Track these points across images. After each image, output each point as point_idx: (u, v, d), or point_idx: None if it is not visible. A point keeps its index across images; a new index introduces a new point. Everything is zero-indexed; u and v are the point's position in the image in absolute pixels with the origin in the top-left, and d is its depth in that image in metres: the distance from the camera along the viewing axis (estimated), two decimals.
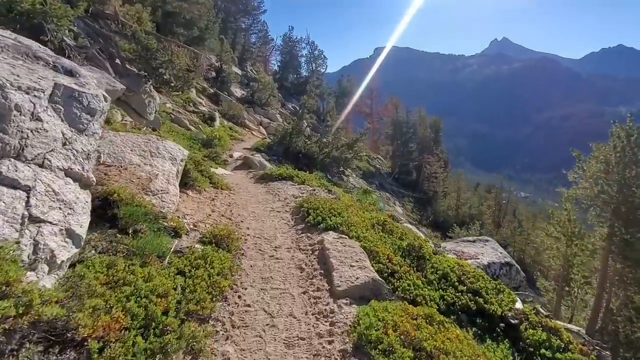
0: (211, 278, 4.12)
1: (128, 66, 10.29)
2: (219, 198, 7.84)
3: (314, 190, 9.41)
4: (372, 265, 5.43)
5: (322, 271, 5.17)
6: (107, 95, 4.22)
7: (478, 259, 9.97)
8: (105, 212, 4.32)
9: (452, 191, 40.37)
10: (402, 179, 42.75)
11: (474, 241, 12.38)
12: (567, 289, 18.49)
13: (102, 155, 5.37)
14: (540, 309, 5.81)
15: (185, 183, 6.95)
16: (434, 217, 36.78)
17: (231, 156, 15.40)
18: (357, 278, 4.81)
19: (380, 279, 5.11)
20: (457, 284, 5.76)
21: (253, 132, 26.35)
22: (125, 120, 9.05)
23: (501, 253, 11.26)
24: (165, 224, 4.97)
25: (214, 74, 33.49)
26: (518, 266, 11.64)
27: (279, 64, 53.68)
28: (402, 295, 5.07)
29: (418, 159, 44.64)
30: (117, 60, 10.02)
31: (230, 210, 7.38)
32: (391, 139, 46.36)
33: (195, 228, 5.73)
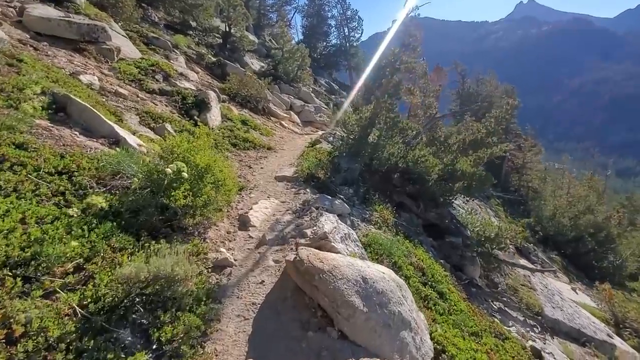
0: None
1: None
2: None
3: None
4: None
5: None
6: None
7: None
8: None
9: (557, 187, 28.70)
10: None
11: None
12: None
13: None
14: None
15: None
16: (541, 229, 25.51)
17: (244, 223, 4.87)
18: None
19: None
20: None
21: (283, 123, 15.65)
22: None
23: None
24: None
25: (218, 39, 22.82)
26: None
27: (302, 29, 42.10)
28: None
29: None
30: None
31: None
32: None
33: None
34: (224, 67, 17.08)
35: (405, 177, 9.43)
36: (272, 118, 15.39)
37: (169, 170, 3.57)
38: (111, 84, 7.81)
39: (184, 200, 3.66)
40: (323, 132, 16.75)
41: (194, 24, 21.73)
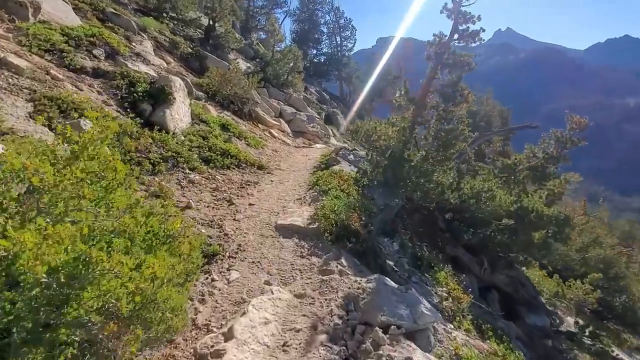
0: None
1: None
2: None
3: None
4: None
5: None
6: None
7: None
8: None
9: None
10: None
11: None
12: None
13: None
14: None
15: None
16: (548, 262, 23.06)
17: None
18: None
19: None
20: None
21: (272, 132, 12.52)
22: None
23: None
24: None
25: (200, 34, 19.50)
26: None
27: (292, 34, 39.16)
28: None
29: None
30: None
31: None
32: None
33: None
34: (203, 60, 13.93)
35: (456, 218, 6.48)
36: (259, 125, 12.26)
37: None
38: (1, 49, 4.55)
39: None
40: (322, 145, 13.76)
41: (174, 14, 18.44)
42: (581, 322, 5.58)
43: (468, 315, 4.29)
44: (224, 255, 3.26)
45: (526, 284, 6.21)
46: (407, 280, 4.06)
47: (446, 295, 4.35)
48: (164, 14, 16.91)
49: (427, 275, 4.71)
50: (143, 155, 4.48)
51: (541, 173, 8.47)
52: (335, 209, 4.07)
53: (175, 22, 18.39)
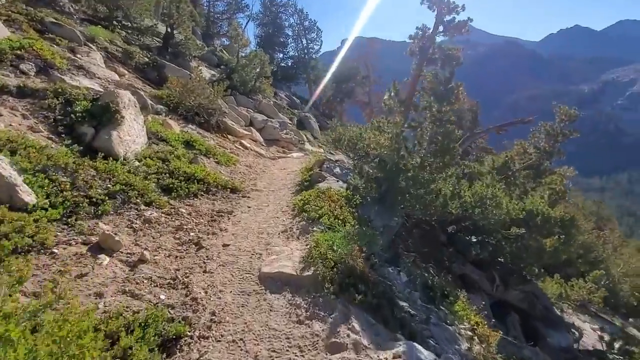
0: None
1: None
2: None
3: None
4: None
5: None
6: None
7: None
8: None
9: None
10: None
11: None
12: None
13: None
14: None
15: None
16: None
17: None
18: None
19: None
20: None
21: (244, 142, 11.60)
22: None
23: None
24: None
25: (158, 42, 18.16)
26: None
27: (257, 38, 38.09)
28: None
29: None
30: None
31: None
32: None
33: None
34: (162, 70, 12.81)
35: (459, 229, 5.81)
36: (229, 136, 11.29)
37: None
38: None
39: None
40: (299, 153, 12.96)
41: (127, 23, 16.99)
42: (606, 337, 5.02)
43: (498, 357, 3.59)
44: (192, 336, 2.37)
45: (540, 296, 5.61)
46: (426, 324, 3.30)
47: (470, 333, 3.62)
48: (115, 23, 15.54)
49: (442, 308, 3.97)
50: (82, 193, 3.51)
51: (536, 170, 7.99)
52: (334, 245, 3.25)
53: (128, 30, 17.00)
